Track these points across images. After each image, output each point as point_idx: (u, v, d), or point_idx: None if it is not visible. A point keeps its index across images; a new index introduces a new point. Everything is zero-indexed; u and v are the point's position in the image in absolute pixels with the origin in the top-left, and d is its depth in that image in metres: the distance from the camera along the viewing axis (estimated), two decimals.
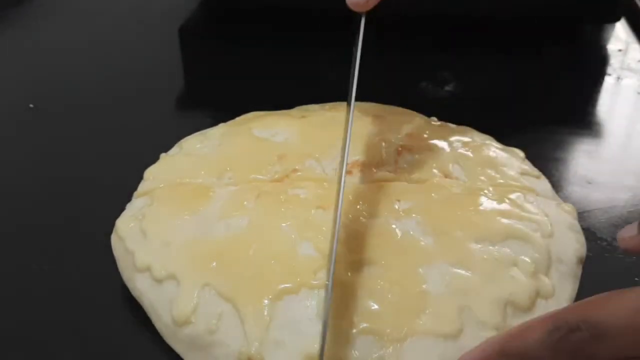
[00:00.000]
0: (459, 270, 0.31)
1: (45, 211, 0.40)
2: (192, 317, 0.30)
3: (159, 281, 0.31)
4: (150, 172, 0.39)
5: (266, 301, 0.29)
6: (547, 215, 0.35)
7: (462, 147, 0.40)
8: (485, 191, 0.36)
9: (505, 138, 0.43)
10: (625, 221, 0.39)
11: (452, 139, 0.41)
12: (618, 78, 0.56)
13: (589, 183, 0.43)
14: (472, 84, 0.55)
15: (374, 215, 0.34)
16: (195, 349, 0.30)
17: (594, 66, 0.58)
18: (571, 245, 0.34)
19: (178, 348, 0.30)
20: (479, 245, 0.32)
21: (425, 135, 0.41)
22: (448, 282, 0.30)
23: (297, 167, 0.38)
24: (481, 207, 0.34)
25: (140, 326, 0.32)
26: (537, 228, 0.34)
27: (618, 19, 0.60)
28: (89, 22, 0.67)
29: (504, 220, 0.33)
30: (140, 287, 0.32)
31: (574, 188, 0.42)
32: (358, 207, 0.34)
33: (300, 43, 0.61)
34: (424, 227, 0.33)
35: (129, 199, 0.38)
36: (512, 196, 0.35)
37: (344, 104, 0.47)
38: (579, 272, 0.34)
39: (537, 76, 0.56)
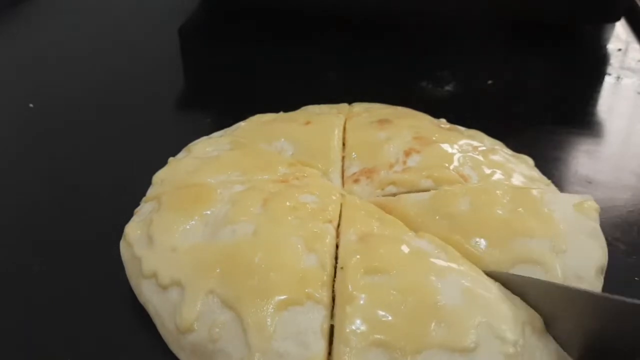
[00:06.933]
0: (474, 286, 0.30)
1: (51, 214, 0.40)
2: (195, 324, 0.29)
3: (164, 287, 0.31)
4: (158, 177, 0.38)
5: (270, 311, 0.29)
6: (564, 223, 0.33)
7: (471, 151, 0.39)
8: (498, 192, 0.35)
9: (505, 138, 0.43)
10: (625, 221, 0.39)
11: (462, 142, 0.40)
12: (618, 78, 0.56)
13: (589, 183, 0.43)
14: (472, 84, 0.55)
15: (386, 226, 0.33)
16: (198, 356, 0.29)
17: (594, 66, 0.58)
18: (590, 257, 0.32)
19: (181, 355, 0.30)
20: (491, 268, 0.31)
21: (434, 138, 0.40)
22: (464, 295, 0.29)
23: (305, 175, 0.37)
24: (490, 226, 0.33)
25: (146, 333, 0.32)
26: (551, 245, 0.32)
27: (618, 19, 0.61)
28: (88, 22, 0.67)
29: (514, 243, 0.32)
30: (146, 293, 0.32)
31: (574, 188, 0.42)
32: (369, 217, 0.34)
33: (301, 43, 0.61)
34: (436, 243, 0.32)
35: (137, 203, 0.38)
36: (527, 203, 0.34)
37: (347, 105, 0.47)
38: (600, 284, 0.32)
39: (537, 76, 0.56)
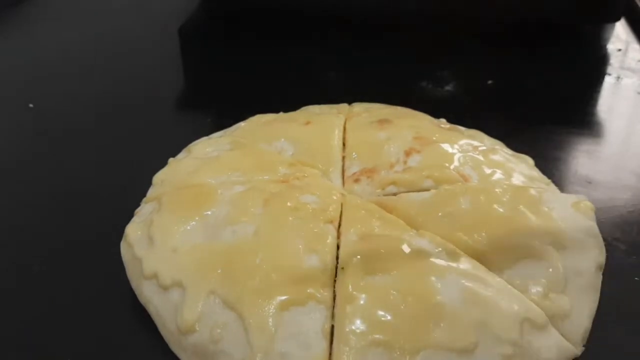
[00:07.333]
0: (474, 286, 0.30)
1: (51, 214, 0.40)
2: (197, 325, 0.29)
3: (165, 288, 0.31)
4: (159, 177, 0.38)
5: (272, 311, 0.29)
6: (563, 221, 0.34)
7: (472, 150, 0.39)
8: (498, 190, 0.35)
9: (505, 138, 0.43)
10: (625, 221, 0.39)
11: (462, 142, 0.40)
12: (618, 78, 0.56)
13: (589, 183, 0.43)
14: (472, 84, 0.55)
15: (387, 225, 0.33)
16: (199, 357, 0.29)
17: (594, 66, 0.58)
18: (590, 254, 0.33)
19: (182, 356, 0.30)
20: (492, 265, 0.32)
21: (434, 138, 0.40)
22: (464, 295, 0.29)
23: (305, 175, 0.37)
24: (492, 223, 0.33)
25: (146, 333, 0.32)
26: (551, 241, 0.32)
27: (618, 19, 0.60)
28: (88, 22, 0.67)
29: (516, 239, 0.32)
30: (147, 294, 0.32)
31: (574, 188, 0.42)
32: (370, 216, 0.34)
33: (301, 43, 0.61)
34: (437, 241, 0.32)
35: (137, 204, 0.38)
36: (526, 201, 0.34)
37: (347, 105, 0.47)
38: (599, 281, 0.32)
39: (537, 76, 0.56)
